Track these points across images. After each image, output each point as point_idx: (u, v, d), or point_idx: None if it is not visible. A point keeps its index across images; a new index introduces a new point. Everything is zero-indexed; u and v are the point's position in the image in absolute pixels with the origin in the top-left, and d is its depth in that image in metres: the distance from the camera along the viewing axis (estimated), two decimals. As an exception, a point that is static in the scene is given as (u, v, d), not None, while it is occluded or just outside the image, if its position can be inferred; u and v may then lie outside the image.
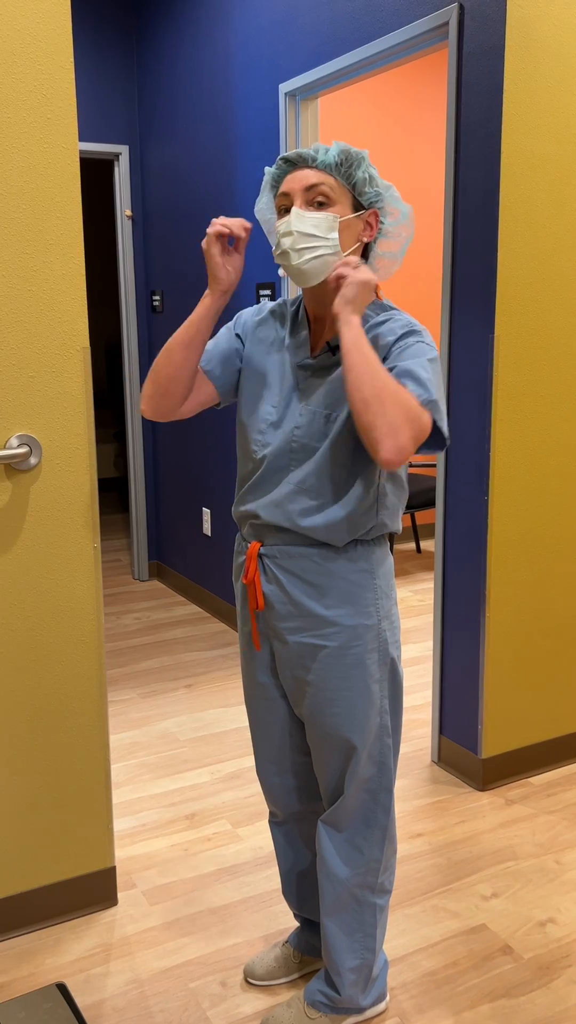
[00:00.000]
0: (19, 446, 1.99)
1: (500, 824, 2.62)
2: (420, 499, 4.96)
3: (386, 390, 1.41)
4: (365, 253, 1.66)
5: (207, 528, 4.42)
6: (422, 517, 5.84)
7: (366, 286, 1.48)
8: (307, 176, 1.55)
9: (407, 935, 2.16)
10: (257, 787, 2.84)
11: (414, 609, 4.48)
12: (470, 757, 2.83)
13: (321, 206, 1.54)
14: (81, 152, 4.50)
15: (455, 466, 2.75)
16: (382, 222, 1.62)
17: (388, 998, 1.97)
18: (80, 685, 2.15)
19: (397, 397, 1.41)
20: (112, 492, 7.42)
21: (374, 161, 5.18)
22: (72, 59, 1.92)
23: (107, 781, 2.23)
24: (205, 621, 4.37)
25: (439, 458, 2.80)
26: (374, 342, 1.58)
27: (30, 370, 1.99)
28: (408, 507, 4.89)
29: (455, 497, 2.77)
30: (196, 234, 4.20)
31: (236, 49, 3.68)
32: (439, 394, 1.52)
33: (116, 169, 4.63)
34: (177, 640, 4.13)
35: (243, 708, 3.40)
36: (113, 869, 2.27)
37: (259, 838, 2.56)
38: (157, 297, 4.66)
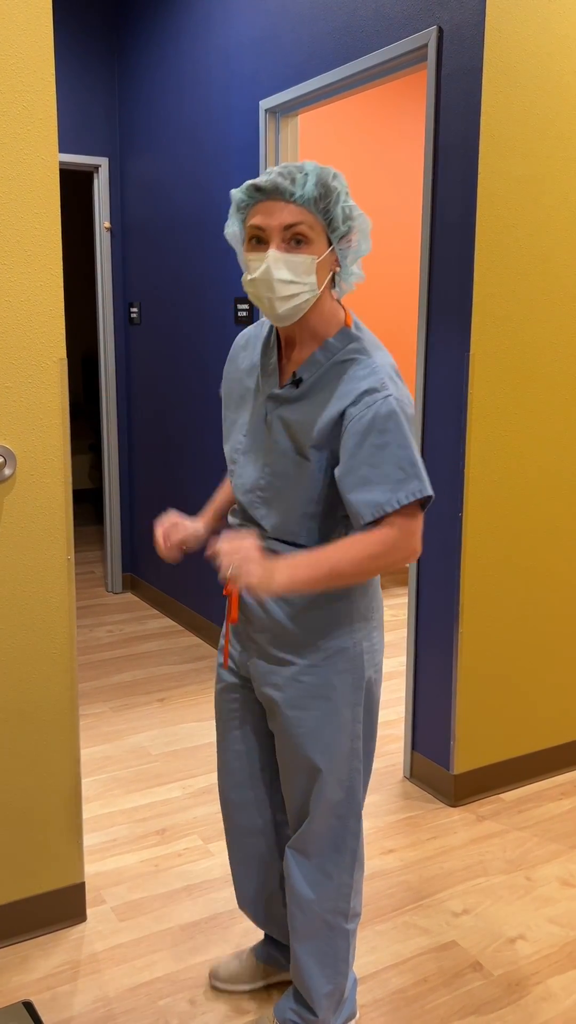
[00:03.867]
0: (-7, 457, 1.98)
1: (471, 840, 2.63)
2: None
3: (350, 572, 1.45)
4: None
5: (182, 541, 4.41)
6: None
7: (259, 565, 1.44)
8: (284, 213, 1.46)
9: (377, 952, 2.15)
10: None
11: (388, 624, 4.49)
12: (442, 773, 2.83)
13: (299, 244, 1.48)
14: (61, 164, 4.50)
15: (430, 483, 2.77)
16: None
17: (358, 1015, 1.96)
18: (51, 699, 2.14)
19: (348, 569, 1.45)
20: (87, 504, 7.38)
21: (352, 180, 5.22)
22: (53, 70, 1.92)
23: (77, 796, 2.21)
24: (178, 634, 4.36)
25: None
26: (339, 396, 1.52)
27: (6, 381, 1.98)
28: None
29: (430, 514, 2.78)
30: (174, 247, 4.21)
31: (217, 64, 3.70)
32: (422, 473, 1.48)
33: (96, 181, 4.64)
34: (150, 653, 4.10)
35: (214, 723, 3.38)
36: (82, 885, 2.25)
37: (230, 854, 2.55)
38: (135, 309, 4.66)
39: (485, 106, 2.46)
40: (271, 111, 3.37)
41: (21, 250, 1.96)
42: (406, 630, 4.36)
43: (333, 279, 1.58)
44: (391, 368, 1.53)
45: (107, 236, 4.68)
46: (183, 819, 2.73)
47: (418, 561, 2.85)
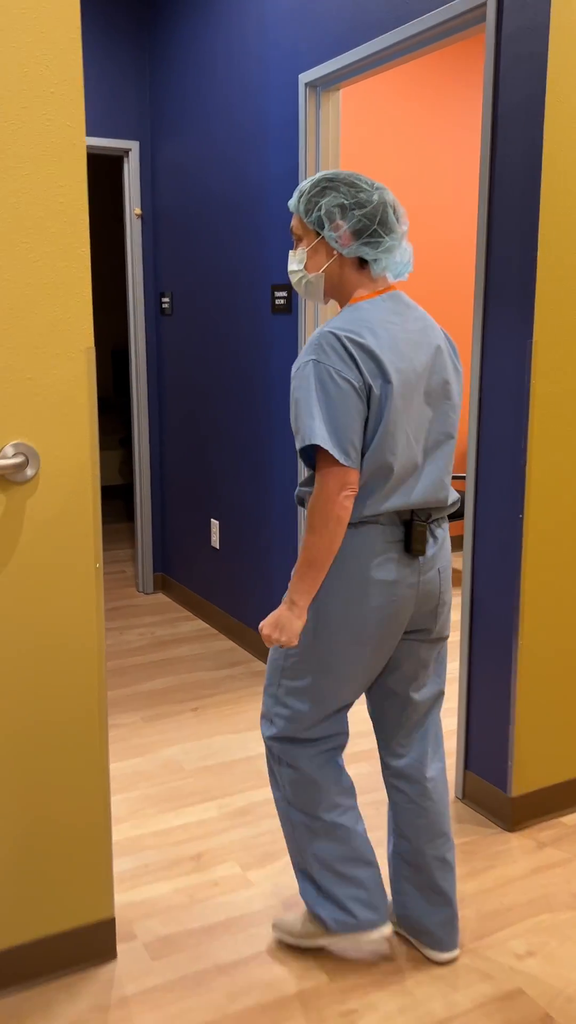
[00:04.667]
0: (14, 456, 1.80)
1: (532, 870, 2.42)
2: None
3: (313, 550, 1.78)
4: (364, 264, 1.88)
5: (215, 540, 4.23)
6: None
7: (276, 624, 1.85)
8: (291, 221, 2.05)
9: (434, 1000, 1.95)
10: (268, 825, 2.63)
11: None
12: (498, 795, 2.62)
13: (299, 242, 1.92)
14: (90, 148, 4.32)
15: (487, 481, 2.56)
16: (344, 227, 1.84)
17: (332, 931, 2.02)
18: (79, 718, 1.95)
19: (310, 550, 1.78)
20: (117, 500, 7.23)
21: (398, 155, 4.99)
22: (80, 47, 1.74)
23: (106, 822, 2.03)
24: (212, 638, 4.17)
25: (469, 470, 2.60)
26: None
27: (28, 371, 1.80)
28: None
29: (486, 514, 2.57)
30: (208, 234, 4.01)
31: (253, 37, 3.50)
32: (308, 423, 1.73)
33: (126, 166, 4.46)
34: (183, 658, 3.93)
35: (251, 735, 3.20)
36: (112, 920, 2.07)
37: (270, 883, 2.36)
38: (166, 299, 4.48)
39: (552, 68, 2.24)
40: (311, 85, 3.16)
41: (47, 235, 1.77)
42: (459, 635, 4.14)
43: (361, 263, 1.87)
44: (331, 334, 1.75)
45: (137, 223, 4.50)
46: (219, 843, 2.54)
47: (472, 562, 2.64)
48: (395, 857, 2.09)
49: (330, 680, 1.91)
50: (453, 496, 1.94)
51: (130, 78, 4.35)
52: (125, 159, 4.45)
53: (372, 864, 2.03)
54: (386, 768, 2.07)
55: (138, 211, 4.48)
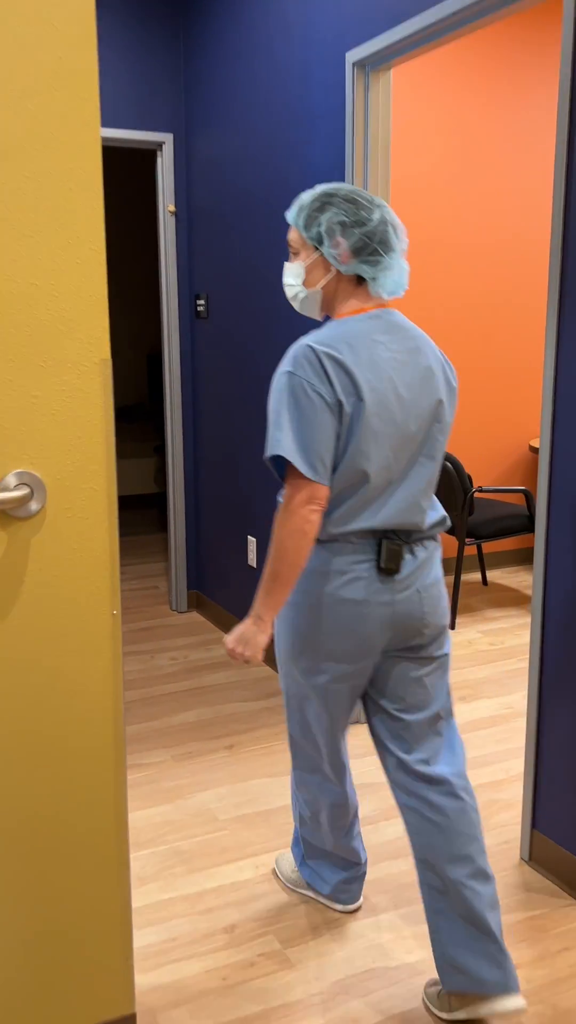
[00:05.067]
0: (17, 487, 1.54)
1: (613, 953, 2.11)
2: (489, 528, 4.43)
3: (277, 563, 1.77)
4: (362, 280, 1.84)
5: (252, 559, 3.95)
6: (488, 547, 5.32)
7: (240, 637, 1.84)
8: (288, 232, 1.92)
9: None
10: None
11: (484, 655, 3.96)
12: (572, 861, 2.31)
13: (295, 256, 1.88)
14: (121, 141, 4.08)
15: (560, 506, 2.25)
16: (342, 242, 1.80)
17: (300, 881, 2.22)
18: (92, 788, 1.69)
19: (274, 563, 1.77)
20: (152, 509, 7.00)
21: (461, 143, 4.68)
22: (94, 13, 1.47)
23: (125, 906, 1.76)
24: (248, 664, 3.90)
25: (540, 494, 2.30)
26: None
27: (33, 388, 1.53)
28: (477, 537, 4.37)
29: (560, 544, 2.26)
30: (246, 232, 3.74)
31: (294, 14, 3.22)
32: (276, 434, 1.72)
33: (159, 160, 4.20)
34: (217, 687, 3.66)
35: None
36: (133, 1016, 1.80)
37: (314, 964, 2.07)
38: (201, 302, 4.21)
39: None
40: (359, 64, 2.87)
41: (56, 229, 1.50)
42: (506, 663, 3.82)
43: (358, 280, 1.84)
44: (308, 347, 1.73)
45: (171, 221, 4.25)
46: (255, 911, 2.26)
47: (543, 590, 2.33)
48: (423, 887, 1.92)
49: (306, 686, 1.94)
50: (433, 518, 1.86)
51: (163, 65, 4.09)
52: (158, 153, 4.20)
53: (357, 863, 2.21)
54: (392, 780, 1.95)
55: (172, 208, 4.23)
